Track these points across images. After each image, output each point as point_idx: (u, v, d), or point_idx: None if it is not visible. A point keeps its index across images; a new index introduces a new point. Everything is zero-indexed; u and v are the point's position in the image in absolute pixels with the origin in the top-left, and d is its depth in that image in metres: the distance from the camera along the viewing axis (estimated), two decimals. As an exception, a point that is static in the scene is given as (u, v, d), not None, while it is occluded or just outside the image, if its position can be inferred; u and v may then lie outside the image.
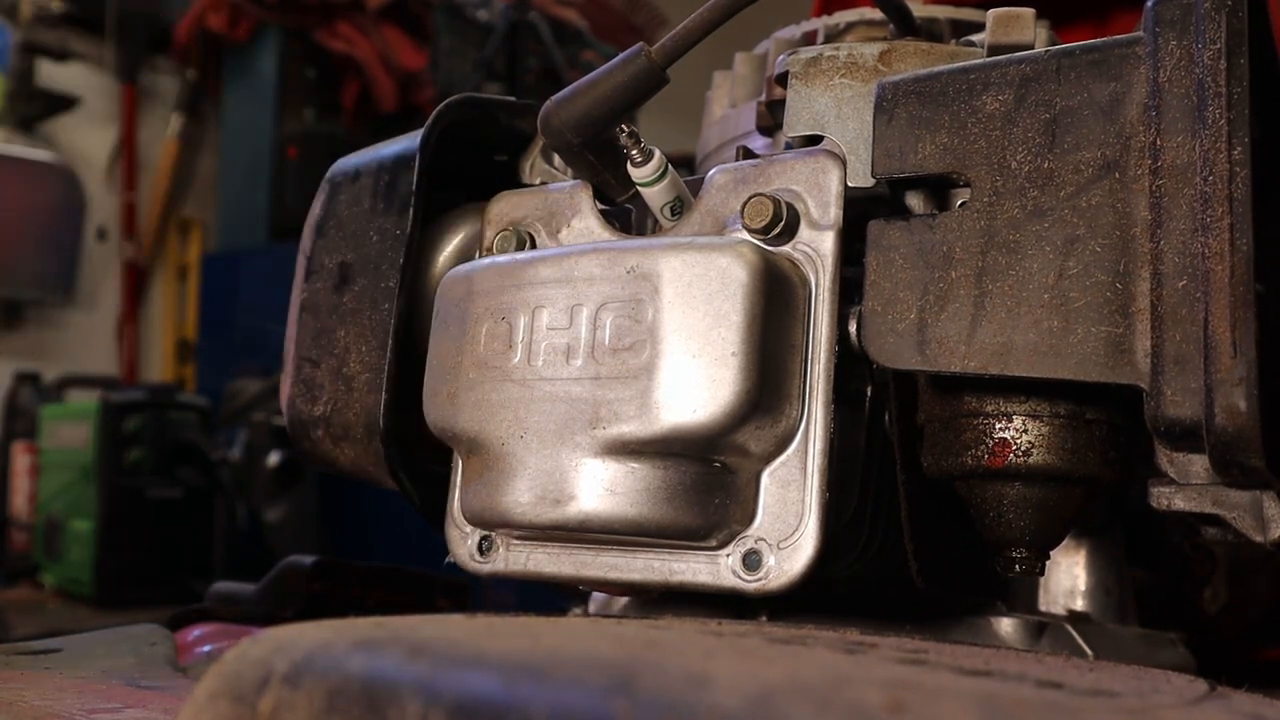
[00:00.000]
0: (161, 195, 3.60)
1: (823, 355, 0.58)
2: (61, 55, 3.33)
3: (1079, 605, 0.78)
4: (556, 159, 0.73)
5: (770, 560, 0.57)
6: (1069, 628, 0.70)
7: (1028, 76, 0.55)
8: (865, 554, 0.66)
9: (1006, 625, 0.68)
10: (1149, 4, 0.54)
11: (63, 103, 3.35)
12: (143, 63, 3.55)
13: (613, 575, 0.61)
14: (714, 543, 0.58)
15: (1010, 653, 0.52)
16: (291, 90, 3.17)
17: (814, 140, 0.64)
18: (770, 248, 0.59)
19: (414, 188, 0.70)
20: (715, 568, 0.58)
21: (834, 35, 0.77)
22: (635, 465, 0.58)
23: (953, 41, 0.70)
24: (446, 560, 0.68)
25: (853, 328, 0.59)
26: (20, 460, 2.70)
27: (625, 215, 0.70)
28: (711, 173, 0.64)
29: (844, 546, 0.65)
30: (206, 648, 0.76)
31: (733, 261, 0.57)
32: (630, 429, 0.57)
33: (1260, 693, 0.43)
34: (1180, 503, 0.53)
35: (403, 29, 3.17)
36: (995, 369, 0.54)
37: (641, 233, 0.69)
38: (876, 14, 0.74)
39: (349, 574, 0.89)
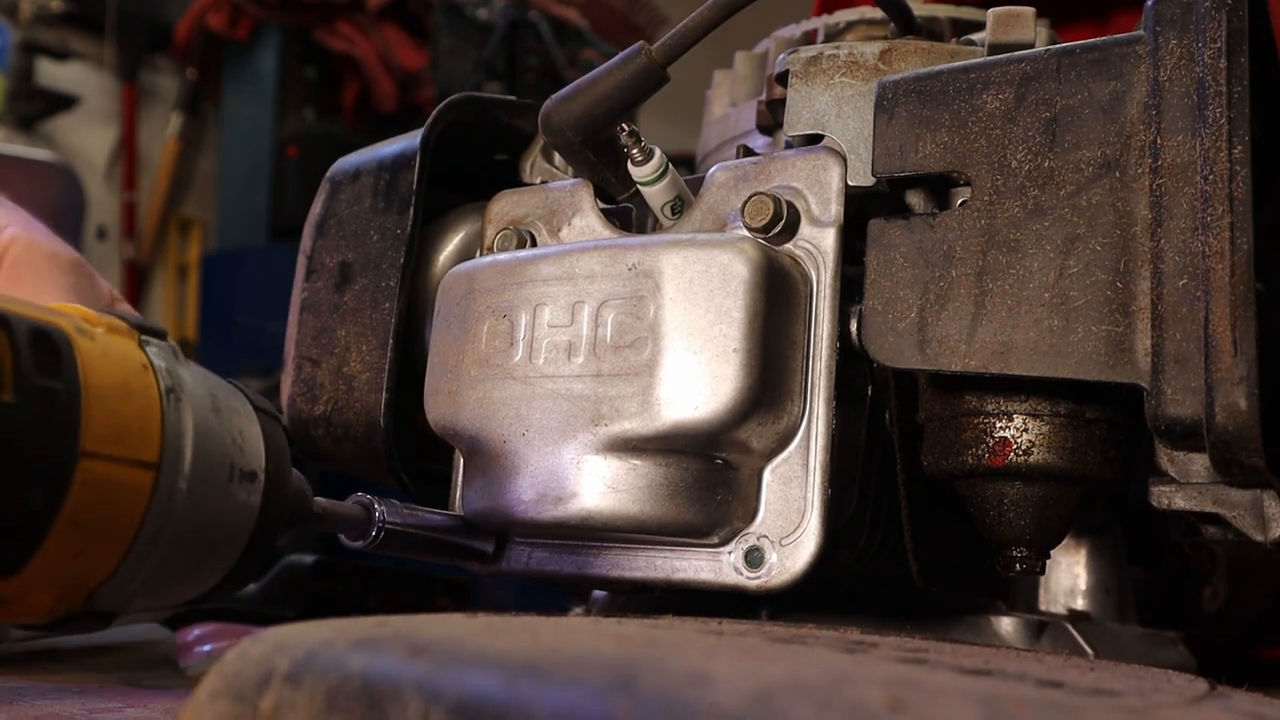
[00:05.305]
0: (161, 195, 3.60)
1: (824, 352, 0.58)
2: (61, 55, 3.33)
3: (1079, 604, 0.78)
4: (557, 158, 0.73)
5: (772, 557, 0.57)
6: (1069, 627, 0.70)
7: (1028, 75, 0.55)
8: (866, 552, 0.66)
9: (1006, 624, 0.68)
10: (1149, 3, 0.54)
11: (63, 102, 3.34)
12: (143, 62, 3.55)
13: (614, 573, 0.61)
14: (716, 540, 0.58)
15: (1010, 652, 0.52)
16: (291, 90, 3.17)
17: (814, 139, 0.64)
18: (771, 245, 0.59)
19: (414, 187, 0.70)
20: (717, 565, 0.58)
21: (834, 34, 0.77)
22: (637, 462, 0.58)
23: (953, 40, 0.70)
24: (447, 559, 0.68)
25: (853, 326, 0.59)
26: (20, 460, 2.70)
27: (626, 214, 0.70)
28: (712, 171, 0.64)
29: (844, 544, 0.65)
30: (206, 648, 0.76)
31: (734, 258, 0.57)
32: (632, 426, 0.57)
33: (1260, 692, 0.43)
34: (1180, 502, 0.53)
35: (403, 28, 3.17)
36: (996, 368, 0.54)
37: (642, 231, 0.69)
38: (877, 13, 0.74)
39: (349, 574, 0.89)
